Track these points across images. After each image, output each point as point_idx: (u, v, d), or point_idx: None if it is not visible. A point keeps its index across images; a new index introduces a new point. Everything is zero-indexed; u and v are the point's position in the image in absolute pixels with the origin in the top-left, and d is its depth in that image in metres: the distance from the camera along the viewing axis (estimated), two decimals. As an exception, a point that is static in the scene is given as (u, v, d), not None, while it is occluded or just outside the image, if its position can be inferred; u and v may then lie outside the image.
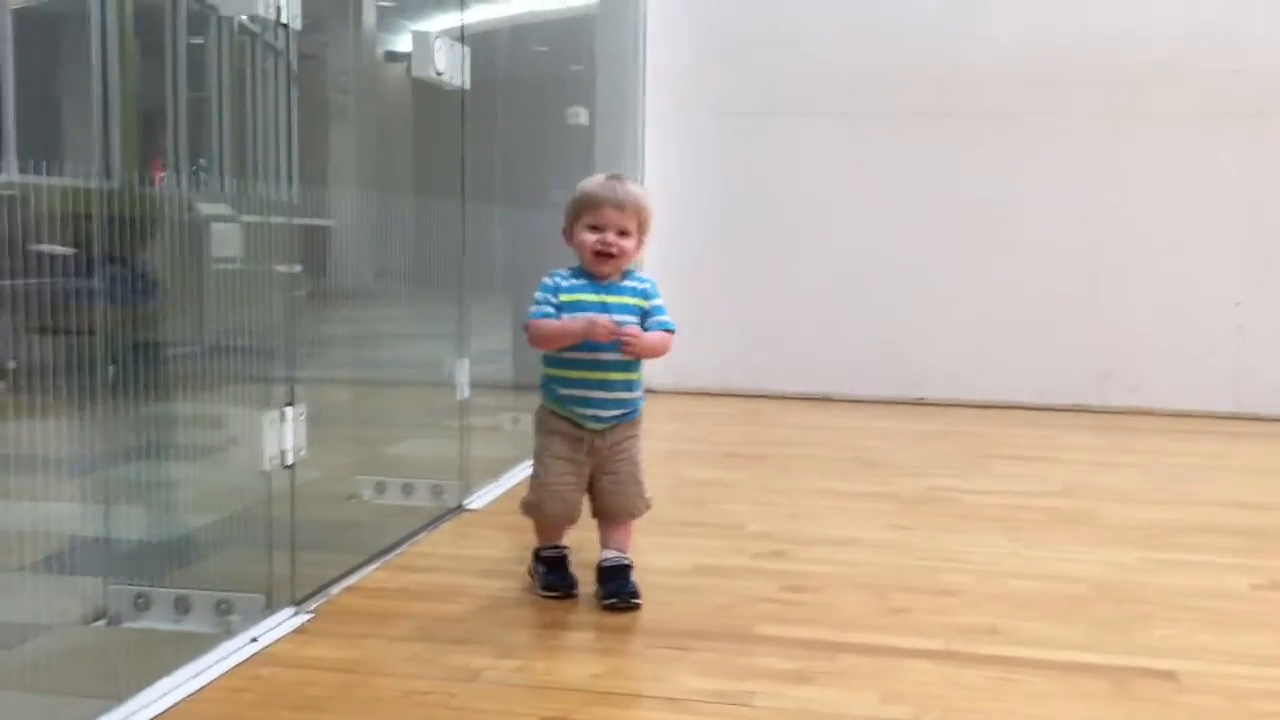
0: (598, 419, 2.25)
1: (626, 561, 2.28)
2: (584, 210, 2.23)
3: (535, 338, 2.24)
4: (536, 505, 2.29)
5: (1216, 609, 2.30)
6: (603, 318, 2.17)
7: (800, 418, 4.66)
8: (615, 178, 2.27)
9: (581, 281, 2.25)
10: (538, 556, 2.33)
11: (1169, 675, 1.94)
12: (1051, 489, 3.38)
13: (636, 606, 2.21)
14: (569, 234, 2.28)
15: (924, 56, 4.94)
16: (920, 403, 5.03)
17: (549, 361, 2.28)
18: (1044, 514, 3.06)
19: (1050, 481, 3.49)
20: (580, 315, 2.20)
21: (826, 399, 5.10)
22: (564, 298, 2.23)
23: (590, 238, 2.22)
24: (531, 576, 2.36)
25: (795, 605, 2.28)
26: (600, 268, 2.24)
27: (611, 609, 2.21)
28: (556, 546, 2.33)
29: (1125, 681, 1.91)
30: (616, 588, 2.23)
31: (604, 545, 2.31)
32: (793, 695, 1.82)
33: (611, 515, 2.31)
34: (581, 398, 2.24)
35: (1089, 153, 4.87)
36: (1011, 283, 4.96)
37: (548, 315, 2.22)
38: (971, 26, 4.91)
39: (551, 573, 2.30)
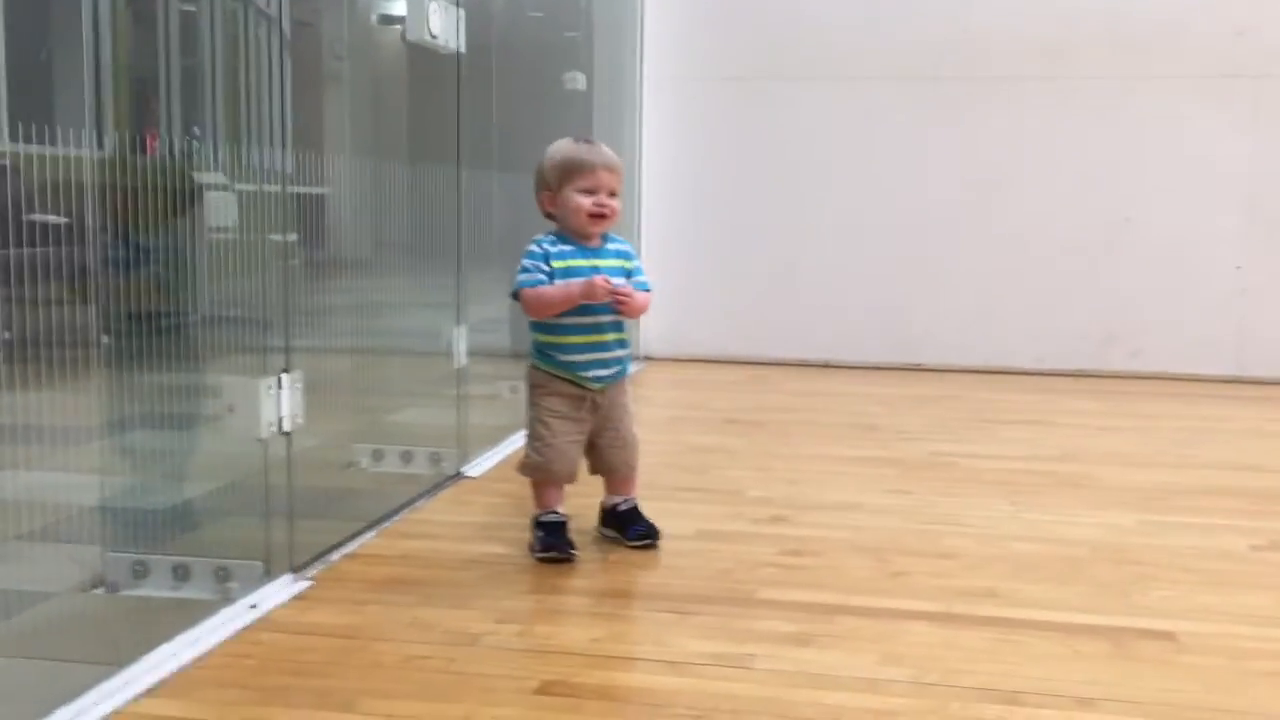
0: (599, 379, 2.31)
1: (637, 503, 2.42)
2: (574, 174, 2.24)
3: (534, 306, 2.25)
4: (544, 466, 2.31)
5: (1216, 570, 2.30)
6: (600, 278, 2.20)
7: (800, 384, 4.66)
8: (587, 141, 2.31)
9: (569, 247, 2.27)
10: (537, 523, 2.33)
11: (1168, 636, 1.94)
12: (1052, 453, 3.38)
13: (658, 540, 2.37)
14: (549, 199, 2.28)
15: (924, 19, 4.90)
16: (920, 368, 5.03)
17: (545, 329, 2.29)
18: (1044, 478, 3.06)
19: (1050, 446, 3.48)
20: (576, 279, 2.23)
21: (827, 365, 5.09)
22: (556, 264, 2.25)
23: (586, 200, 2.23)
24: (532, 547, 2.35)
25: (796, 569, 2.28)
26: (595, 229, 2.27)
27: (643, 547, 2.36)
28: (555, 512, 2.34)
29: (1124, 642, 1.90)
30: (644, 528, 2.38)
31: (613, 493, 2.40)
32: (792, 657, 1.82)
33: (615, 469, 2.39)
34: (584, 361, 2.29)
35: (1091, 116, 4.83)
36: (1012, 248, 4.93)
37: (541, 283, 2.23)
38: (972, -12, 4.86)
39: (550, 535, 2.30)
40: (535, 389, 2.33)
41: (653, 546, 2.36)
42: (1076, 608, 2.07)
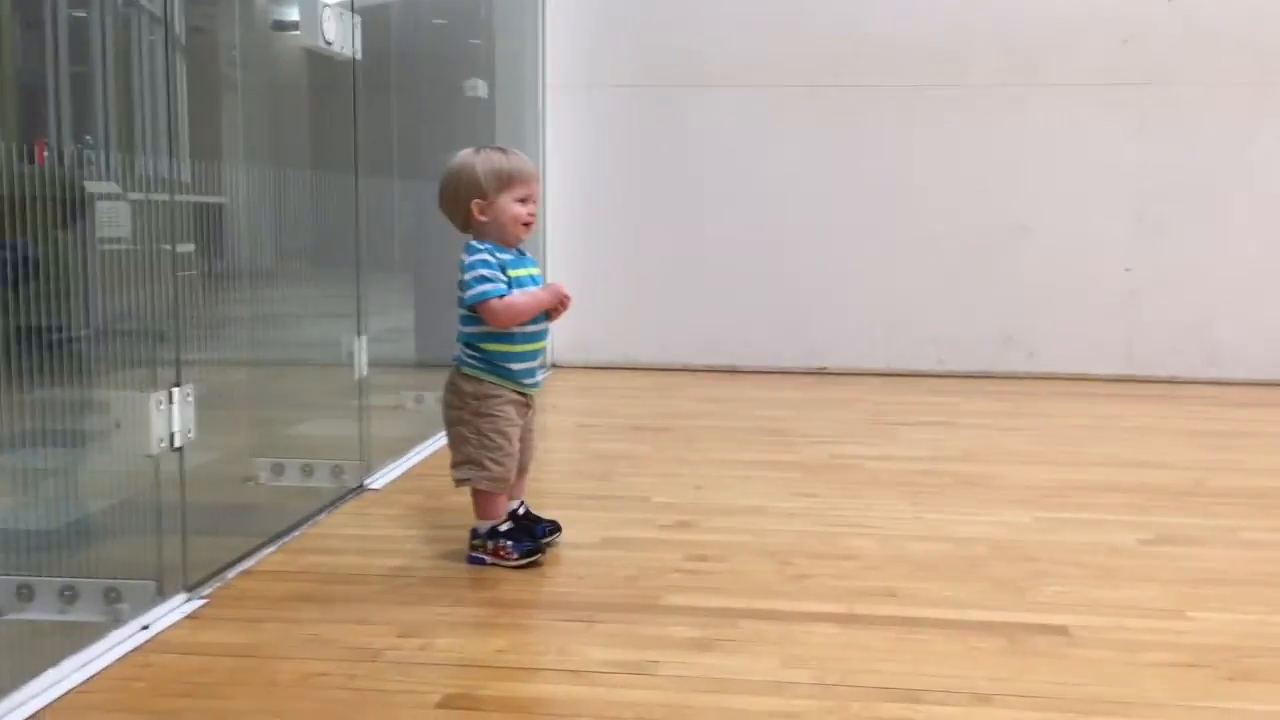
0: (536, 384, 2.39)
1: None
2: (515, 183, 2.29)
3: (505, 316, 2.26)
4: (504, 476, 2.33)
5: (1106, 565, 2.37)
6: (561, 285, 2.31)
7: (706, 390, 4.68)
8: (502, 149, 2.33)
9: (509, 255, 2.31)
10: (502, 532, 2.33)
11: (1061, 630, 1.99)
12: (952, 454, 3.44)
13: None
14: (482, 207, 2.27)
15: (822, 28, 4.97)
16: (824, 372, 5.09)
17: (501, 339, 2.29)
18: (944, 478, 3.12)
19: (951, 446, 3.55)
20: (539, 288, 2.32)
21: (732, 371, 5.13)
22: (511, 273, 2.28)
23: (522, 209, 2.30)
24: (484, 557, 2.33)
25: (700, 574, 2.29)
26: (525, 236, 2.34)
27: (553, 543, 2.43)
28: (512, 513, 2.39)
29: (1020, 638, 1.95)
30: (550, 523, 2.45)
31: (514, 494, 2.43)
32: (695, 663, 1.83)
33: (524, 467, 2.44)
34: (528, 368, 2.35)
35: (985, 123, 4.95)
36: (911, 252, 5.03)
37: (505, 292, 2.26)
38: (869, -2, 4.95)
39: (524, 539, 2.35)
40: (485, 400, 2.30)
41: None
42: (973, 605, 2.11)
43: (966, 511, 2.78)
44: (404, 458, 3.26)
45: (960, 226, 5.00)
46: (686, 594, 2.16)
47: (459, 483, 2.34)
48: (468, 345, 2.32)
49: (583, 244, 5.10)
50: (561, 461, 3.26)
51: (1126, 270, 4.94)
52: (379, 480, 3.02)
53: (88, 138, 2.30)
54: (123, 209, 2.19)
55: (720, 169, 5.08)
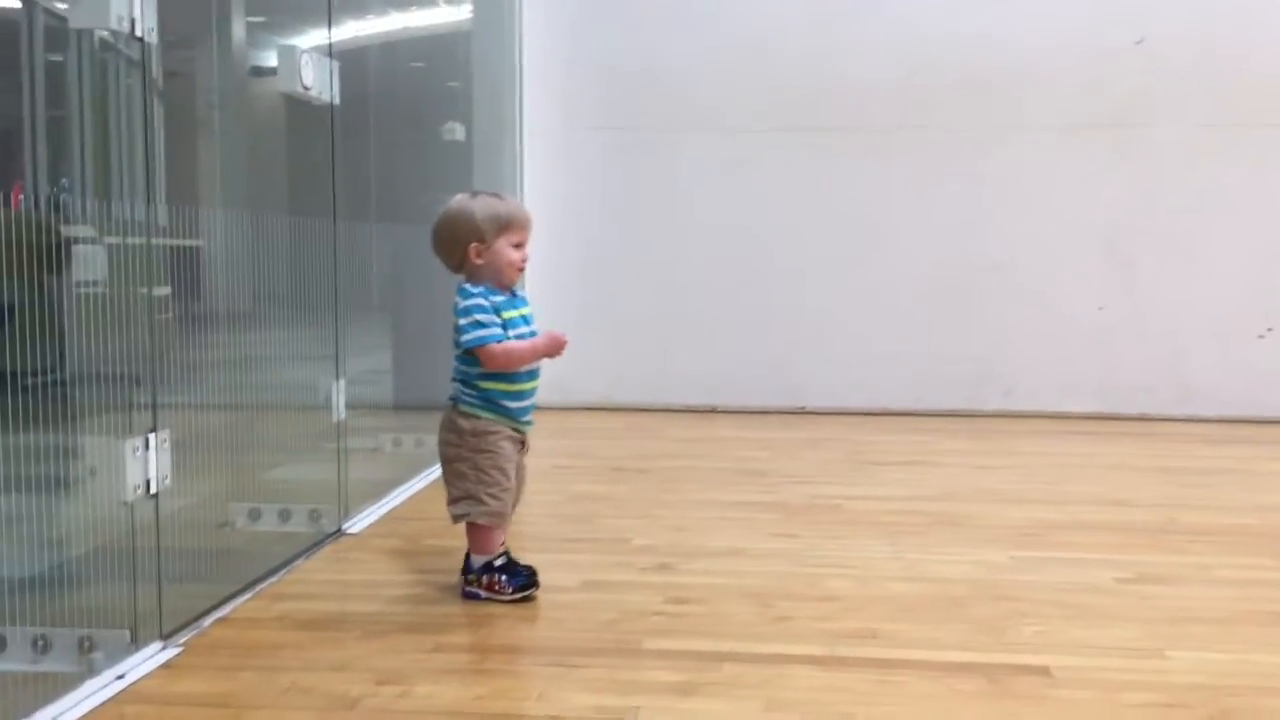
0: (530, 422, 2.43)
1: None
2: (512, 228, 2.34)
3: (503, 360, 2.31)
4: (502, 511, 2.36)
5: (1085, 604, 2.37)
6: (559, 333, 2.34)
7: (685, 430, 4.68)
8: (497, 194, 2.40)
9: (502, 298, 2.35)
10: (498, 567, 2.37)
11: (1043, 671, 1.99)
12: (930, 493, 3.45)
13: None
14: (479, 250, 2.32)
15: (794, 72, 5.02)
16: (802, 412, 5.10)
17: (499, 377, 2.34)
18: (923, 517, 3.12)
19: (929, 486, 3.56)
20: (537, 337, 2.36)
21: (711, 411, 5.13)
22: (504, 315, 2.32)
23: (517, 254, 2.36)
24: (479, 591, 2.37)
25: (681, 617, 2.28)
26: (517, 280, 2.39)
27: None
28: (504, 552, 2.42)
29: (1001, 679, 1.95)
30: (531, 568, 2.42)
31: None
32: (678, 709, 1.82)
33: (514, 504, 2.44)
34: (525, 406, 2.40)
35: (958, 164, 5.01)
36: (888, 292, 5.06)
37: (504, 338, 2.30)
38: (839, 42, 5.00)
39: (519, 573, 2.38)
40: (484, 436, 2.34)
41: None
42: (954, 646, 2.11)
43: (945, 551, 2.78)
44: (382, 501, 3.24)
45: (935, 265, 5.04)
46: (668, 637, 2.16)
47: (457, 519, 2.36)
48: (465, 384, 2.36)
49: (560, 285, 5.10)
50: (541, 503, 3.24)
51: (1099, 308, 4.99)
52: (357, 524, 3.00)
53: (64, 181, 2.30)
54: (99, 252, 2.18)
55: (696, 210, 5.12)
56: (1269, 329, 4.93)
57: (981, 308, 5.03)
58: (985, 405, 5.05)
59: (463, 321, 2.29)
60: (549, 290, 5.06)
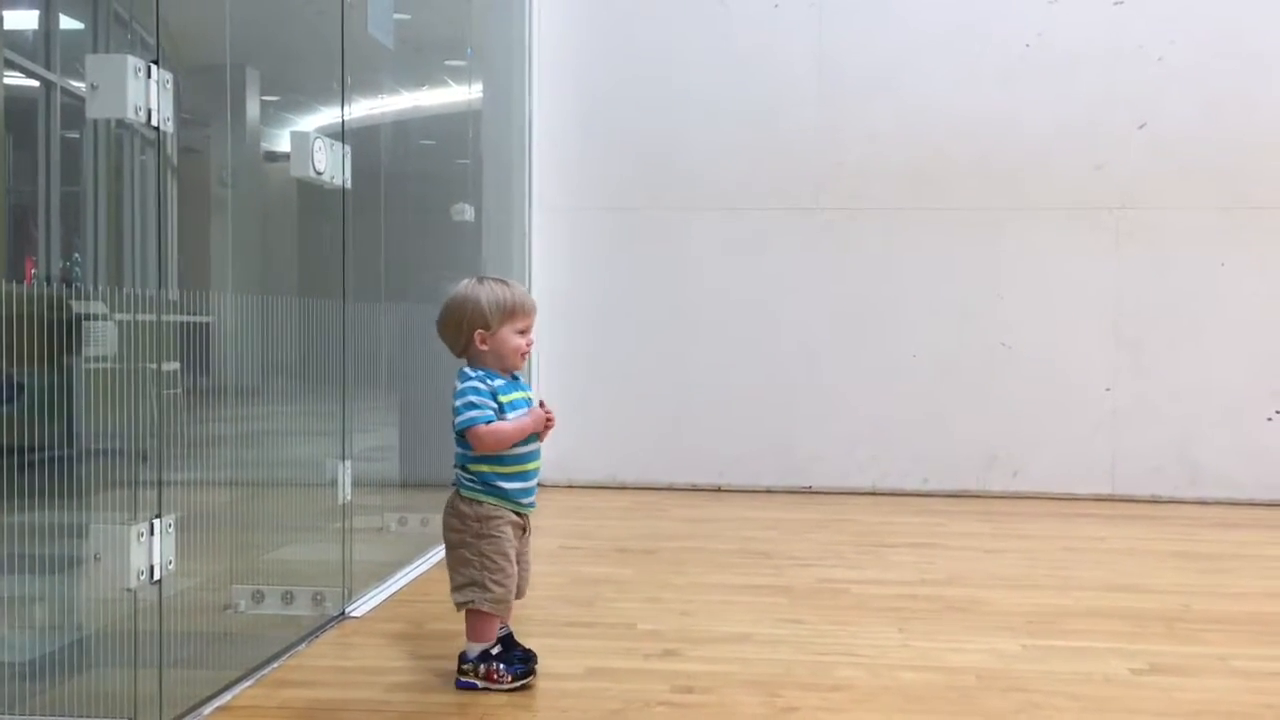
0: (532, 504, 2.41)
1: None
2: (517, 315, 2.37)
3: (491, 441, 2.31)
4: (505, 598, 2.34)
5: (1099, 696, 2.33)
6: (542, 410, 2.37)
7: (691, 510, 4.66)
8: (503, 281, 2.41)
9: (502, 382, 2.36)
10: (495, 655, 2.34)
11: (1056, 767, 1.95)
12: (939, 577, 3.42)
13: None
14: (483, 337, 2.35)
15: (804, 151, 5.08)
16: (809, 492, 5.08)
17: (494, 460, 2.34)
18: (932, 602, 3.09)
19: (937, 569, 3.53)
20: (523, 411, 2.35)
21: (717, 490, 5.11)
22: (502, 399, 2.33)
23: (521, 341, 2.38)
24: (475, 682, 2.33)
25: (687, 708, 2.24)
26: (520, 365, 2.40)
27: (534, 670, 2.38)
28: (501, 638, 2.39)
29: (1014, 776, 1.91)
30: (530, 651, 2.39)
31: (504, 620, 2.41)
32: (684, 805, 1.78)
33: (520, 590, 2.42)
34: (525, 488, 2.38)
35: (965, 244, 5.04)
36: (895, 372, 5.07)
37: (491, 419, 2.30)
38: (848, 123, 5.07)
39: (519, 658, 2.35)
40: (486, 522, 2.33)
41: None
42: (966, 740, 2.07)
43: (955, 638, 2.74)
44: (386, 582, 3.21)
45: (943, 346, 5.05)
46: (673, 729, 2.12)
47: (460, 605, 2.34)
48: (463, 468, 2.36)
49: (567, 363, 5.12)
50: (546, 585, 3.21)
51: (1106, 390, 4.98)
52: (360, 607, 2.97)
53: (76, 256, 2.32)
54: (109, 329, 2.19)
55: (704, 290, 5.14)
56: (1278, 411, 4.91)
57: (990, 388, 5.03)
58: (993, 486, 5.03)
59: (458, 404, 2.30)
60: (556, 369, 5.08)
